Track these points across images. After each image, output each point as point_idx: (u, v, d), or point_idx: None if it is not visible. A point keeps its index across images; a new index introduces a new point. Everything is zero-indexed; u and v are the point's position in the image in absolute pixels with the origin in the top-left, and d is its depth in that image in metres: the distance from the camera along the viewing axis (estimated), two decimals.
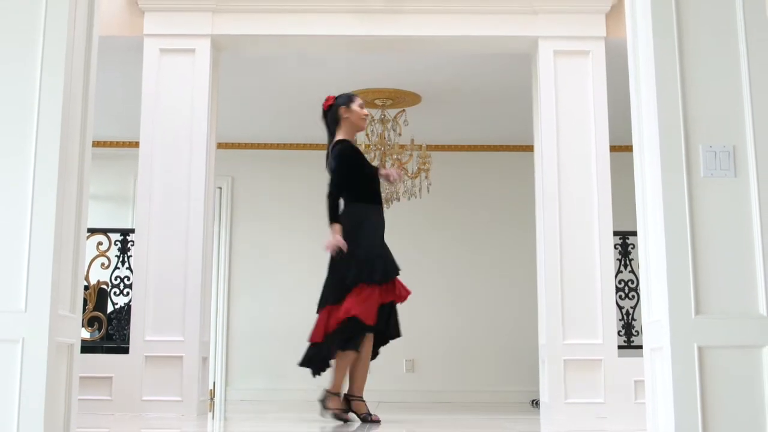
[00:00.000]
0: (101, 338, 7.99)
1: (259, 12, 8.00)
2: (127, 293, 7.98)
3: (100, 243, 8.08)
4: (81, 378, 4.58)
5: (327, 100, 7.22)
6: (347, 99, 7.14)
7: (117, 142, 11.96)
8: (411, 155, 10.71)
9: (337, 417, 6.67)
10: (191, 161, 7.72)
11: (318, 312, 6.88)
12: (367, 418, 6.66)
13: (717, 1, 4.20)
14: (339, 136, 7.04)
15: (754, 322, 3.91)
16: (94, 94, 4.63)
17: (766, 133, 4.05)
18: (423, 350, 11.58)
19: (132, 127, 8.26)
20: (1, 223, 3.94)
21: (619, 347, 7.62)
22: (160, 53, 7.89)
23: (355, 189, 6.97)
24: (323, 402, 6.76)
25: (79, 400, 4.43)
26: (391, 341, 7.00)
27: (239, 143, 12.33)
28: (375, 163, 9.64)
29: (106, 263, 8.08)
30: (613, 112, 7.79)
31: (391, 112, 10.61)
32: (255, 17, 8.00)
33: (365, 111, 7.18)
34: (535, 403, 9.77)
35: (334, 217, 6.85)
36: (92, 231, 7.78)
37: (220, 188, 12.31)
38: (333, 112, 7.13)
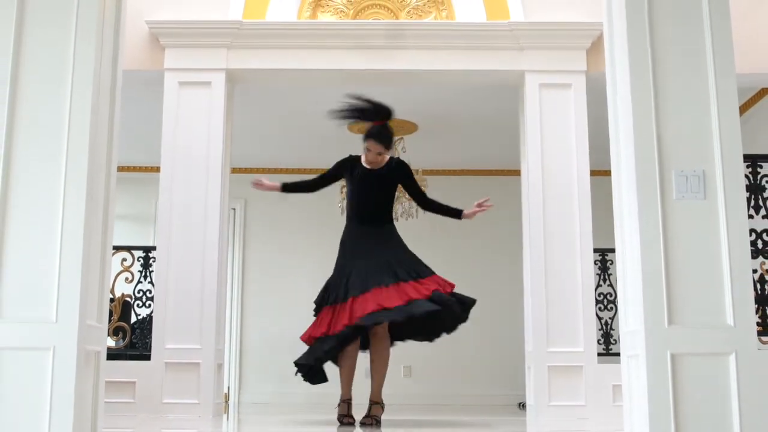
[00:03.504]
0: (125, 346, 7.98)
1: (269, 48, 8.01)
2: (149, 305, 7.99)
3: (124, 259, 8.09)
4: (107, 383, 4.58)
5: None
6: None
7: (140, 167, 11.97)
8: None
9: (340, 422, 6.51)
10: (207, 184, 7.73)
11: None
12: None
13: (688, 40, 4.21)
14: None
15: (723, 332, 3.92)
16: (119, 123, 4.64)
17: (732, 159, 4.07)
18: (419, 357, 11.55)
19: (153, 153, 8.26)
20: (34, 241, 3.95)
21: (599, 354, 7.62)
22: (179, 86, 7.90)
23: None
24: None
25: (105, 403, 4.44)
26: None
27: (252, 168, 12.32)
28: None
29: (130, 278, 8.09)
30: (593, 139, 7.80)
31: None
32: (266, 53, 8.02)
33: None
34: (522, 406, 9.75)
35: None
36: (117, 248, 7.79)
37: (234, 209, 12.32)
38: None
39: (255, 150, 11.70)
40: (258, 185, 6.95)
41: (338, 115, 6.77)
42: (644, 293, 3.96)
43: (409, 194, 7.08)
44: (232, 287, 12.15)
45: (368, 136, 6.73)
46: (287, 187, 6.97)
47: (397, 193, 10.43)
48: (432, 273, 6.69)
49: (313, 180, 7.00)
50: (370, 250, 6.61)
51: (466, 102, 9.80)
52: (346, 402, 6.58)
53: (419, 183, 10.58)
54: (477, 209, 7.05)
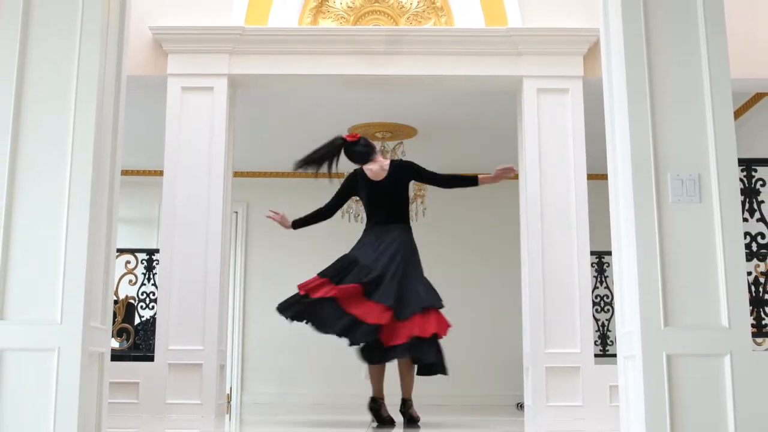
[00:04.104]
0: (129, 347, 7.98)
1: (271, 54, 8.01)
2: (153, 307, 7.99)
3: (128, 262, 8.10)
4: (111, 383, 4.58)
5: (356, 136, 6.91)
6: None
7: (143, 170, 11.97)
8: None
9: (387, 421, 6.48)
10: (210, 188, 7.73)
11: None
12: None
13: (684, 45, 4.22)
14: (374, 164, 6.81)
15: (718, 333, 3.92)
16: (123, 127, 4.64)
17: (727, 163, 4.07)
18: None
19: (157, 157, 8.26)
20: (40, 244, 3.96)
21: (596, 356, 7.62)
22: (182, 91, 7.90)
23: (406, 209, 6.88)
24: (378, 410, 6.52)
25: (109, 403, 4.44)
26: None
27: (254, 172, 12.35)
28: None
29: (134, 280, 8.10)
30: (590, 143, 7.80)
31: (390, 144, 10.62)
32: (268, 59, 8.02)
33: None
34: (520, 406, 9.74)
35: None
36: (121, 251, 7.77)
37: (237, 213, 12.33)
38: (365, 144, 6.84)
39: (257, 154, 11.71)
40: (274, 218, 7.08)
41: (308, 165, 6.78)
42: (640, 295, 3.96)
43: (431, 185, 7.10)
44: (234, 289, 12.16)
45: (354, 161, 6.88)
46: (297, 224, 7.09)
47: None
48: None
49: (327, 206, 7.00)
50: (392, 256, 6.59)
51: (465, 107, 9.81)
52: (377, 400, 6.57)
53: (419, 186, 10.61)
54: (499, 172, 6.73)
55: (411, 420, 6.50)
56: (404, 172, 6.82)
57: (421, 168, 6.87)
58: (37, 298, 3.92)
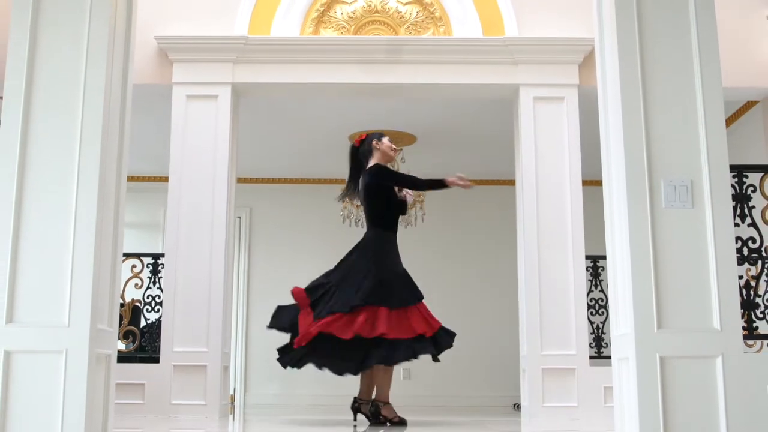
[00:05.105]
0: (135, 349, 7.98)
1: (274, 63, 8.02)
2: (158, 310, 7.98)
3: (134, 266, 8.09)
4: (117, 384, 4.58)
5: (360, 137, 7.02)
6: (378, 135, 6.93)
7: (149, 177, 11.97)
8: None
9: (397, 422, 6.59)
10: (214, 194, 7.73)
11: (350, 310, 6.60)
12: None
13: (677, 55, 4.23)
14: (372, 162, 6.82)
15: (709, 335, 3.93)
16: (129, 134, 4.64)
17: (719, 169, 4.08)
18: (418, 360, 11.56)
19: (162, 164, 8.27)
20: (48, 248, 3.96)
21: (591, 357, 7.62)
22: (187, 99, 7.91)
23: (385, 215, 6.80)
24: (379, 413, 6.68)
25: (115, 404, 4.44)
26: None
27: (256, 178, 12.35)
28: None
29: (140, 283, 8.09)
30: (585, 150, 7.81)
31: None
32: (270, 67, 8.03)
33: (393, 145, 6.92)
34: (517, 407, 9.74)
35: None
36: (127, 255, 7.79)
37: (240, 218, 12.33)
38: (367, 144, 6.88)
39: (260, 160, 11.70)
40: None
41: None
42: (634, 298, 3.97)
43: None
44: (237, 292, 12.17)
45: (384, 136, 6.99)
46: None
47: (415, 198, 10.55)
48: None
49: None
50: (396, 259, 6.74)
51: (463, 114, 9.81)
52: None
53: (417, 193, 10.58)
54: (458, 181, 7.05)
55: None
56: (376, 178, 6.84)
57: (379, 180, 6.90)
58: (46, 301, 3.92)
